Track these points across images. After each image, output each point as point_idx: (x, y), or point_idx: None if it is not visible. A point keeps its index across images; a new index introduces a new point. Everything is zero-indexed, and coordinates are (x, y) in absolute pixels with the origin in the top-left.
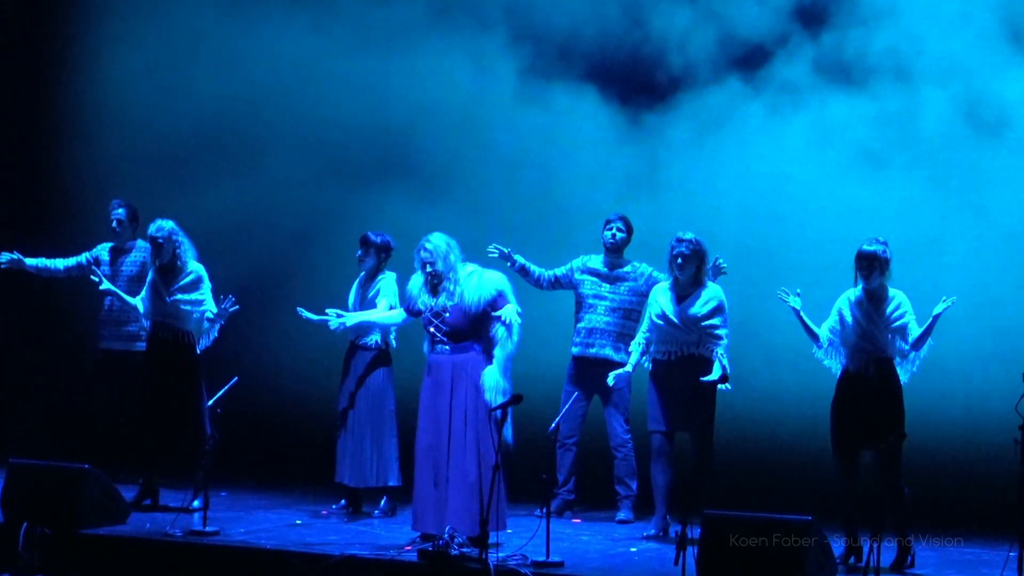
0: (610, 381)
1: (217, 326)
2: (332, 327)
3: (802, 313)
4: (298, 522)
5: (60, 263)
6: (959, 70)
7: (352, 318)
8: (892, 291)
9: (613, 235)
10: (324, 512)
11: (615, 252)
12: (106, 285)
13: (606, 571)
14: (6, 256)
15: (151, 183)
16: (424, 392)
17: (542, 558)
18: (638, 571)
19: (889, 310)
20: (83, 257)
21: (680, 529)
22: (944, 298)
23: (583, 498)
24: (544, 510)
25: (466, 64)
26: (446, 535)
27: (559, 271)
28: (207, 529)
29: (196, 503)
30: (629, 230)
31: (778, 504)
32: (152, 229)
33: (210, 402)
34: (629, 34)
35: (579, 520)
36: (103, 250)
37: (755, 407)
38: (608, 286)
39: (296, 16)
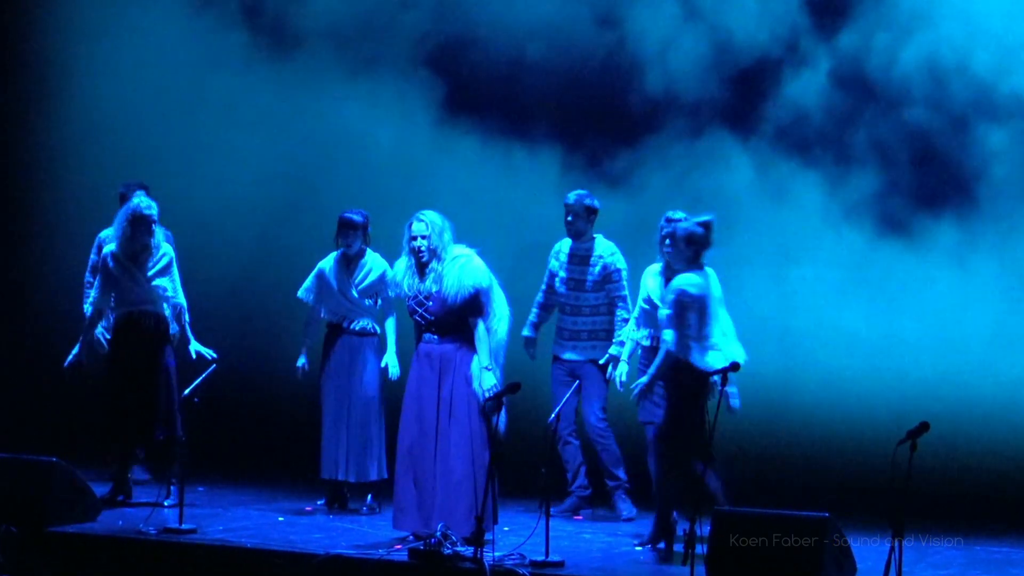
0: (621, 384)
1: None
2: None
3: None
4: (280, 519)
5: (89, 305)
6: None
7: (393, 361)
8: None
9: (567, 224)
10: (308, 508)
11: (576, 238)
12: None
13: (609, 571)
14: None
15: (130, 160)
16: (410, 383)
17: (541, 557)
18: (643, 571)
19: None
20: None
21: (688, 527)
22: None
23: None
24: (543, 507)
25: (386, 100)
26: (438, 533)
27: (540, 296)
28: (183, 527)
29: (169, 500)
30: (578, 213)
31: (793, 500)
32: (147, 208)
33: (187, 391)
34: (600, 39)
35: (580, 517)
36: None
37: (767, 399)
38: (572, 284)
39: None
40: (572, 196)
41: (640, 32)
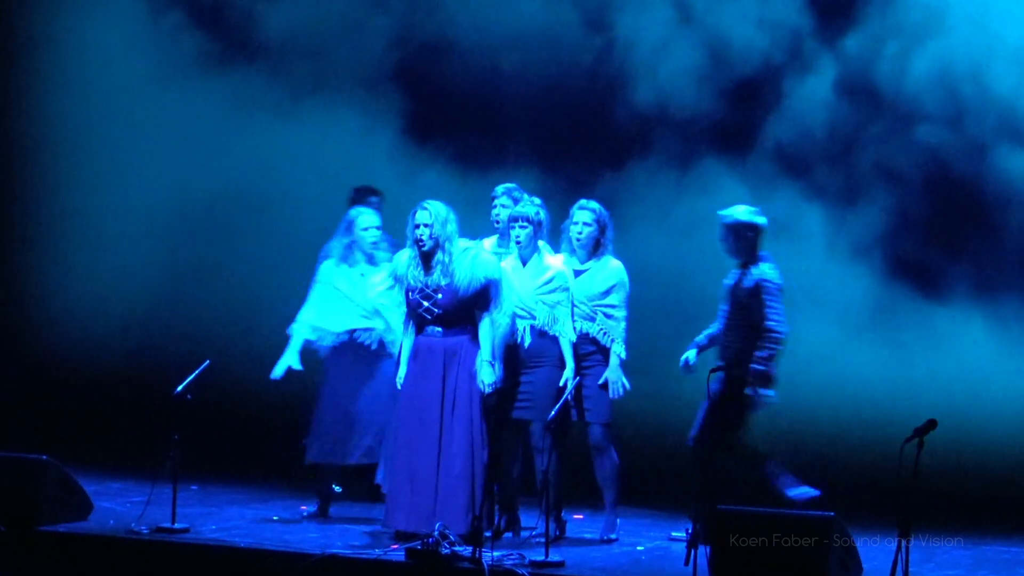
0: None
1: None
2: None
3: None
4: (275, 518)
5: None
6: None
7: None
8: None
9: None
10: (303, 508)
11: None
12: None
13: (610, 571)
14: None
15: (79, 169)
16: (408, 376)
17: (541, 557)
18: (645, 571)
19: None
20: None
21: (692, 527)
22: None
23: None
24: (543, 506)
25: (345, 116)
26: (436, 532)
27: None
28: (176, 526)
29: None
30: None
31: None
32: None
33: (179, 387)
34: (585, 46)
35: (581, 516)
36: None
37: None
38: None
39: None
40: (500, 189)
41: (629, 38)
